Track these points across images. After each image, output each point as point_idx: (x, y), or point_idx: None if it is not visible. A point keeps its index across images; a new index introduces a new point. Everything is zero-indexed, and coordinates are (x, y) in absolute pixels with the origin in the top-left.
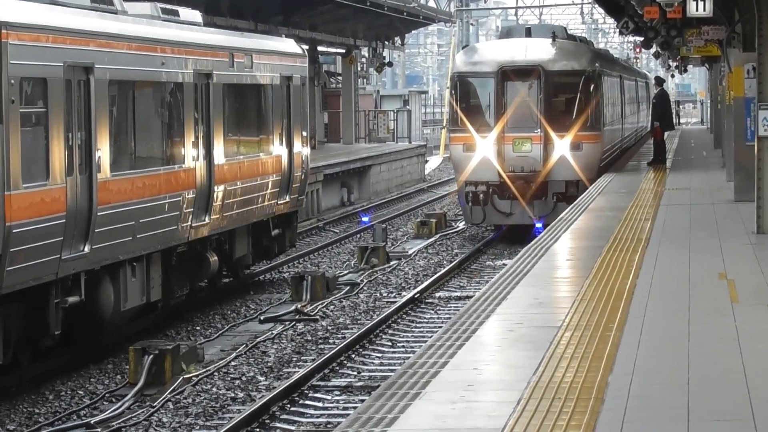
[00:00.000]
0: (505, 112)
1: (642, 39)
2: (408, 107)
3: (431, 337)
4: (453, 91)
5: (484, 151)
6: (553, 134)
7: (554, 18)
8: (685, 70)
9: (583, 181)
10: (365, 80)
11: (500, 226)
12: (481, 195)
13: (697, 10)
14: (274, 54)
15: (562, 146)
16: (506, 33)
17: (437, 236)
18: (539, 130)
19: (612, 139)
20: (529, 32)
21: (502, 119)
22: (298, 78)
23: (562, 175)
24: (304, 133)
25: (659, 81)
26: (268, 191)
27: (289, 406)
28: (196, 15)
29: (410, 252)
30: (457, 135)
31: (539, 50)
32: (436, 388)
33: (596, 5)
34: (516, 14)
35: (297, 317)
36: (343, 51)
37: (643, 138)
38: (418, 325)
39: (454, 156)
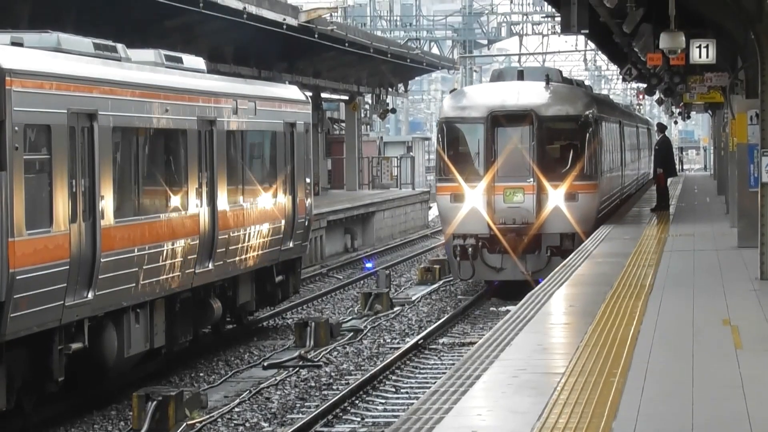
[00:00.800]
0: (495, 161)
1: (645, 86)
2: (411, 153)
3: (435, 383)
4: (440, 138)
5: (472, 202)
6: (546, 184)
7: (558, 65)
8: (689, 117)
9: (579, 234)
10: (368, 126)
11: (491, 282)
12: (470, 249)
13: (700, 56)
14: (277, 101)
15: (556, 197)
16: (497, 76)
17: (441, 282)
18: (532, 179)
19: (611, 188)
20: (521, 75)
21: (492, 168)
22: (302, 124)
23: (556, 227)
24: (308, 180)
25: (661, 128)
26: (272, 237)
27: None
28: (199, 62)
29: (414, 298)
30: (444, 185)
31: (532, 94)
32: None
33: (599, 52)
34: (519, 61)
35: (300, 363)
36: (346, 97)
37: (646, 185)
38: (421, 371)
39: (441, 207)
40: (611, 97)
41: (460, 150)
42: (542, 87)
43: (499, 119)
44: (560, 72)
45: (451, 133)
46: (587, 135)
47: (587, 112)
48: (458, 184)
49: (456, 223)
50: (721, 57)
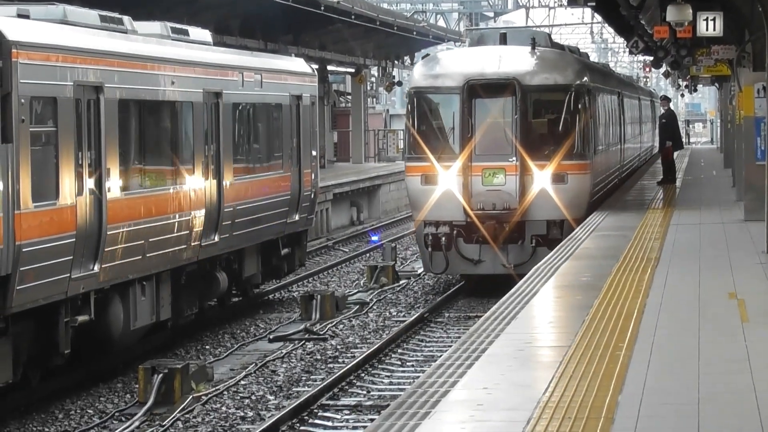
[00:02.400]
0: (472, 137)
1: (652, 58)
2: None
3: (441, 356)
4: (409, 111)
5: (446, 184)
6: (531, 164)
7: (564, 38)
8: (695, 90)
9: (569, 221)
10: (375, 99)
11: (467, 277)
12: (443, 238)
13: (707, 29)
14: (283, 73)
15: (542, 178)
16: (477, 40)
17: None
18: (515, 158)
19: (607, 167)
20: (504, 39)
21: (468, 145)
22: (308, 97)
23: (542, 213)
24: (314, 153)
25: (666, 100)
26: (278, 210)
27: (298, 425)
28: (205, 34)
29: (419, 271)
30: (414, 164)
31: (515, 60)
32: (446, 408)
33: (606, 25)
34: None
35: (306, 336)
36: (352, 70)
37: (649, 161)
38: (427, 344)
39: (411, 190)
40: (616, 69)
41: (432, 124)
42: (527, 52)
43: (476, 89)
44: (549, 35)
45: (422, 105)
46: (579, 107)
47: (579, 81)
48: (430, 163)
49: (427, 209)
50: (728, 29)
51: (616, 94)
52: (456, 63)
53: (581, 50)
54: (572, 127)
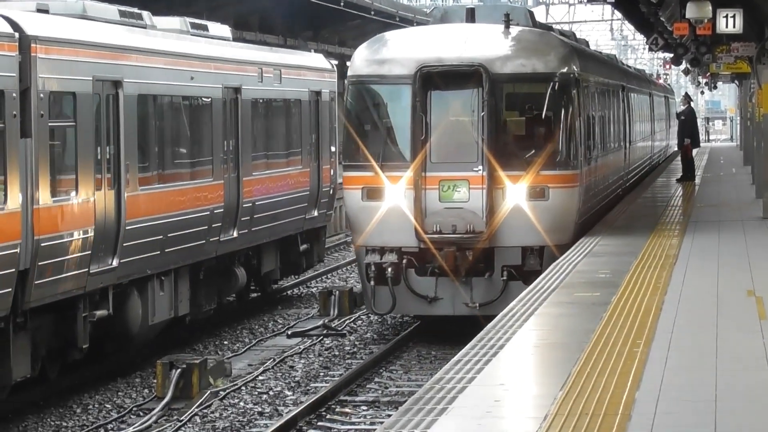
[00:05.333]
0: (427, 140)
1: (672, 55)
2: None
3: (458, 352)
4: (348, 106)
5: (394, 200)
6: (502, 174)
7: (584, 35)
8: (715, 87)
9: (550, 248)
10: None
11: (421, 317)
12: (390, 269)
13: (727, 26)
14: (303, 69)
15: (516, 193)
16: (441, 17)
17: None
18: (481, 167)
19: (604, 177)
20: (472, 16)
21: (422, 150)
22: (327, 93)
23: (516, 238)
24: (333, 148)
25: (687, 98)
26: (297, 206)
27: (316, 421)
28: (225, 30)
29: None
30: (353, 174)
31: (484, 42)
32: (463, 403)
33: (625, 22)
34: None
35: (324, 332)
36: None
37: (662, 163)
38: (446, 340)
39: (349, 207)
40: (636, 65)
41: (377, 123)
42: (499, 32)
43: (433, 78)
44: (530, 13)
45: (363, 98)
46: (564, 102)
47: (564, 69)
48: (373, 173)
49: (369, 231)
50: (747, 27)
51: (619, 88)
52: (408, 45)
53: (586, 42)
54: (555, 127)
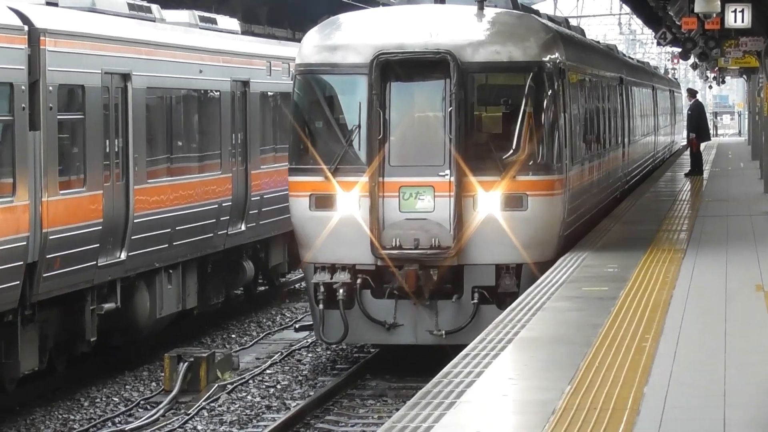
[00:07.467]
0: (386, 139)
1: (680, 50)
2: None
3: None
4: (295, 100)
5: (347, 210)
6: (473, 180)
7: (592, 29)
8: (723, 82)
9: (529, 266)
10: None
11: (378, 346)
12: (342, 290)
13: (735, 21)
14: None
15: (490, 202)
16: None
17: None
18: (448, 171)
19: (597, 181)
20: None
21: (380, 152)
22: None
23: (489, 254)
24: None
25: (692, 93)
26: None
27: (323, 414)
28: (233, 23)
29: None
30: (299, 179)
31: (452, 26)
32: (471, 397)
33: (634, 16)
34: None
35: None
36: None
37: (666, 161)
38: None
39: (296, 217)
40: (644, 59)
41: (328, 120)
42: (472, 14)
43: (393, 68)
44: None
45: (312, 90)
46: (546, 96)
47: (547, 57)
48: (323, 178)
49: (319, 246)
50: (756, 21)
51: (617, 81)
52: (365, 29)
53: (582, 31)
54: (536, 125)
